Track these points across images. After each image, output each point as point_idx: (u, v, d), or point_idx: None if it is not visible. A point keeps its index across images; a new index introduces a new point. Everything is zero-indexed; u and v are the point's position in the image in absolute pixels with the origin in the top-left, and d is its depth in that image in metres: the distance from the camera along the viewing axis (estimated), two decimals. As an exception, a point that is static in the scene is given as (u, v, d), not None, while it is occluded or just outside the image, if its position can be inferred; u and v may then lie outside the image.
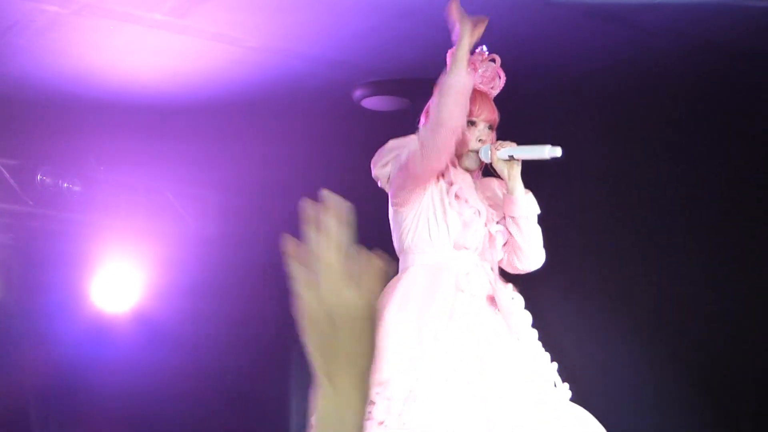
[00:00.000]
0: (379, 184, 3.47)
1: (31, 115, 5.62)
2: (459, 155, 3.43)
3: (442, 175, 3.38)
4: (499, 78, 3.50)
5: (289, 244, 1.42)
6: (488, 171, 3.49)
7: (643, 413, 6.14)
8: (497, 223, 3.41)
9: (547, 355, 3.37)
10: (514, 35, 4.71)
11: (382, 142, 5.87)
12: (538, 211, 3.35)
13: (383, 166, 3.43)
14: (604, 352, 6.17)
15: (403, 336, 3.17)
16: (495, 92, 3.51)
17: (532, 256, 3.39)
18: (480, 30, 3.24)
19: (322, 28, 4.70)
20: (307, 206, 1.41)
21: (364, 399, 1.37)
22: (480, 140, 3.41)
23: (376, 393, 3.10)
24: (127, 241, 6.46)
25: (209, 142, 6.13)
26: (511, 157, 3.32)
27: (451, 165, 3.41)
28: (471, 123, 3.40)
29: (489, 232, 3.39)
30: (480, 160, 3.41)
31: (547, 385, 3.29)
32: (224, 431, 6.66)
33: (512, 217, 3.34)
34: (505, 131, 3.47)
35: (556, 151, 3.26)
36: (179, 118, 5.73)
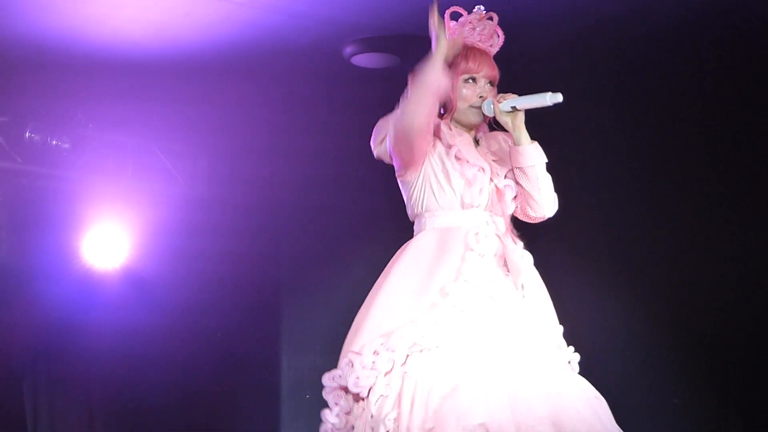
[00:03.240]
0: (385, 162, 3.48)
1: (20, 72, 5.59)
2: (461, 111, 3.46)
3: (440, 139, 3.42)
4: (498, 36, 3.53)
5: None
6: (492, 126, 3.51)
7: (636, 373, 6.20)
8: (505, 177, 3.44)
9: (554, 316, 3.40)
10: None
11: (373, 99, 5.84)
12: (545, 159, 3.38)
13: (380, 144, 3.44)
14: (604, 317, 6.19)
15: (408, 290, 3.24)
16: (494, 50, 3.53)
17: (544, 204, 3.41)
18: (454, 49, 3.37)
19: (312, -16, 4.68)
20: None
21: None
22: (481, 96, 3.43)
23: (381, 344, 3.15)
24: (116, 198, 6.44)
25: (198, 101, 6.10)
26: (514, 108, 3.34)
27: (446, 127, 3.44)
28: (472, 79, 3.43)
29: (496, 186, 3.41)
30: (483, 114, 3.44)
31: (550, 346, 3.31)
32: (215, 390, 6.69)
33: (520, 168, 3.36)
34: (502, 88, 3.47)
35: (557, 97, 3.25)
36: (168, 75, 5.70)
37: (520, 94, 3.37)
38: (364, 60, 5.46)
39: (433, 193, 3.39)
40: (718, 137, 5.94)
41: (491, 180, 3.40)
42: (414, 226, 3.47)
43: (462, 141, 3.42)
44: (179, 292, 6.48)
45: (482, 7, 3.49)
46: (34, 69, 5.55)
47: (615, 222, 6.27)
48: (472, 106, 3.44)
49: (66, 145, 6.12)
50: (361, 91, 5.85)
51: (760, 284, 5.84)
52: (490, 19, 3.50)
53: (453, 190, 3.37)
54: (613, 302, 6.17)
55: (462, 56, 3.44)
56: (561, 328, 3.40)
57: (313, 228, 6.95)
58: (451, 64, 3.41)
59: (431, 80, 3.20)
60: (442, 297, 3.19)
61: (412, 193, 3.42)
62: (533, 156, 3.35)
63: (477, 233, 3.31)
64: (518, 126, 3.35)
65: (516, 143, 3.37)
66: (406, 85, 3.37)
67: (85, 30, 5.12)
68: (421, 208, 3.41)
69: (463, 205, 3.36)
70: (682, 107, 5.99)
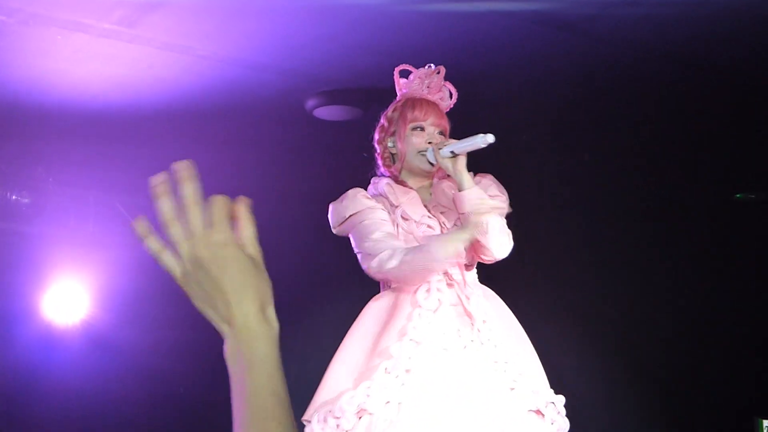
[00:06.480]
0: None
1: (-22, 126, 5.55)
2: (410, 159, 3.46)
3: (386, 199, 3.42)
4: (450, 92, 3.59)
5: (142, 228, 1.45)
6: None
7: (598, 418, 6.20)
8: (454, 225, 3.40)
9: (530, 359, 3.35)
10: (468, 45, 4.72)
11: (335, 151, 5.86)
12: (491, 203, 3.31)
13: (339, 226, 3.43)
14: (568, 363, 6.21)
15: (358, 354, 3.23)
16: (444, 104, 3.57)
17: (493, 248, 3.32)
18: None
19: (274, 37, 4.68)
20: (157, 180, 1.45)
21: (271, 327, 1.45)
22: (429, 143, 3.44)
23: (328, 410, 3.12)
24: (77, 253, 6.38)
25: (159, 152, 6.06)
26: (453, 153, 3.32)
27: (389, 187, 3.44)
28: (420, 128, 3.46)
29: None
30: (430, 162, 3.44)
31: (503, 390, 3.24)
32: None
33: (463, 214, 3.29)
34: (459, 139, 3.46)
35: (489, 138, 3.23)
36: (129, 128, 5.68)
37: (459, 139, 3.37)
38: (327, 113, 5.45)
39: None
40: (669, 187, 6.01)
41: (442, 233, 3.37)
42: (380, 284, 3.46)
43: (407, 200, 3.42)
44: (140, 348, 6.41)
45: (432, 65, 3.57)
46: (-7, 123, 5.52)
47: (579, 278, 6.30)
48: (420, 153, 3.43)
49: (26, 200, 6.07)
50: (323, 143, 5.85)
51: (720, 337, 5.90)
52: (438, 73, 3.58)
53: None
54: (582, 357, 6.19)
55: (409, 107, 3.48)
56: (540, 373, 3.35)
57: (276, 289, 6.89)
58: (399, 116, 3.46)
59: (444, 259, 3.18)
60: (387, 359, 3.16)
61: None
62: (474, 201, 3.27)
63: (428, 289, 3.29)
64: (459, 170, 3.31)
65: (458, 189, 3.32)
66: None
67: (45, 83, 5.10)
68: None
69: None
70: (629, 158, 6.04)
